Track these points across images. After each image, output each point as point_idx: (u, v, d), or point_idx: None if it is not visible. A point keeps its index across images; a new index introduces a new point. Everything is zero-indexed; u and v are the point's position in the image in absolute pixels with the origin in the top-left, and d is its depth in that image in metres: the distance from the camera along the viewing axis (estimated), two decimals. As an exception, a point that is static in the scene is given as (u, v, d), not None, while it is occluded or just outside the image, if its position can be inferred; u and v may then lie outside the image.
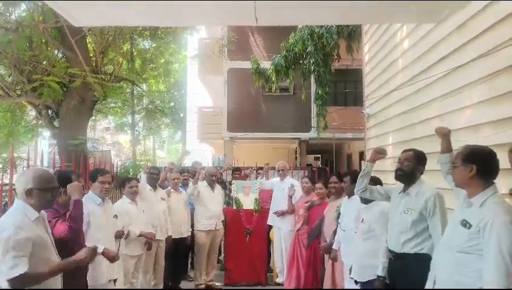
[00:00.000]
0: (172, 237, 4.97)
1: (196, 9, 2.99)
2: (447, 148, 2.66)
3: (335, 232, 4.00)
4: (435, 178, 3.39)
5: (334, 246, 3.97)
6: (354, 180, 3.76)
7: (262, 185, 5.93)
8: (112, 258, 3.42)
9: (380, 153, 3.17)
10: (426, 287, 2.33)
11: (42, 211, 2.36)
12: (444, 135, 2.68)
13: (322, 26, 8.77)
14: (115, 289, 3.68)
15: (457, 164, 2.14)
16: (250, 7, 2.77)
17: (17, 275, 2.04)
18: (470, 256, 1.97)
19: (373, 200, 3.31)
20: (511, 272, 1.84)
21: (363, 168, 3.32)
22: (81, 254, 2.34)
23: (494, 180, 2.09)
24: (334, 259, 3.96)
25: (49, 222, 2.49)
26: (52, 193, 2.34)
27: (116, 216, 3.67)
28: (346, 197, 3.94)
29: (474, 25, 3.33)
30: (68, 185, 2.71)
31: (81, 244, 2.83)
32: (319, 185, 4.82)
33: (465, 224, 2.02)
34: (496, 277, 1.84)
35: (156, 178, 4.89)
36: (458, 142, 2.71)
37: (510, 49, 2.82)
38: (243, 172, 7.32)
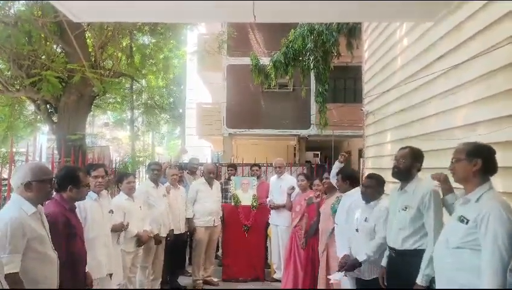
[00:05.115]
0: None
1: (195, 6, 3.00)
2: (448, 190, 2.61)
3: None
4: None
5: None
6: (345, 177, 3.80)
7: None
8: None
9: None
10: (416, 281, 2.48)
11: (39, 206, 2.38)
12: (442, 180, 2.63)
13: (322, 23, 8.75)
14: (120, 289, 3.73)
15: (461, 158, 2.15)
16: (249, 4, 2.78)
17: (8, 273, 2.05)
18: (467, 251, 2.02)
19: (374, 199, 3.32)
20: (507, 266, 1.88)
21: None
22: None
23: (491, 177, 2.13)
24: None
25: (47, 216, 2.50)
26: (50, 184, 2.39)
27: (111, 211, 3.69)
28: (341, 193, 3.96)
29: (471, 24, 3.34)
30: None
31: (81, 240, 2.89)
32: (316, 181, 4.84)
33: (463, 220, 2.06)
34: (492, 270, 1.89)
35: (158, 174, 4.93)
36: (455, 141, 2.73)
37: (507, 48, 2.84)
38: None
